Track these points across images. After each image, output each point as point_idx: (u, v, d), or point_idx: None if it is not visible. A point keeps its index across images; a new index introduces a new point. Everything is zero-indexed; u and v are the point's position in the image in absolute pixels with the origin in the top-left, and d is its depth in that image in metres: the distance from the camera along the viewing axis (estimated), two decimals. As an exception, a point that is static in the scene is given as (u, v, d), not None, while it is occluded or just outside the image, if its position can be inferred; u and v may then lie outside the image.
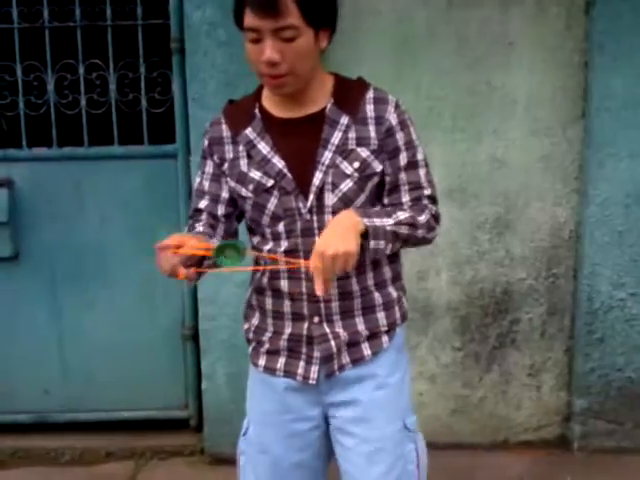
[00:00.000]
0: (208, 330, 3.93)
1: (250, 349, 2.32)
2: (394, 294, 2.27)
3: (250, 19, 1.97)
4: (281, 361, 2.24)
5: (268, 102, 2.18)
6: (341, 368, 2.21)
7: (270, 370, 2.25)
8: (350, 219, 1.97)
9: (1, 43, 3.96)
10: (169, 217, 3.98)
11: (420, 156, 2.22)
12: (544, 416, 4.15)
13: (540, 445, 4.14)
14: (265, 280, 2.22)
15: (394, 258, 2.26)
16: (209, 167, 2.23)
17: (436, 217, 2.21)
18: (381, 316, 2.24)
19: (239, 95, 3.61)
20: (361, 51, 3.79)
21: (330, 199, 2.11)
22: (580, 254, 3.93)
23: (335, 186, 2.11)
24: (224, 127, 2.20)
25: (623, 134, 3.77)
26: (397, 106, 2.18)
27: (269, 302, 2.23)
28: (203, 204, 2.24)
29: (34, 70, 3.94)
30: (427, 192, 2.22)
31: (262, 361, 2.27)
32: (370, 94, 2.16)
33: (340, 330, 2.19)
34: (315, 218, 2.12)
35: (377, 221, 2.02)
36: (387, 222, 2.05)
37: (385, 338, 2.24)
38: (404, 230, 2.09)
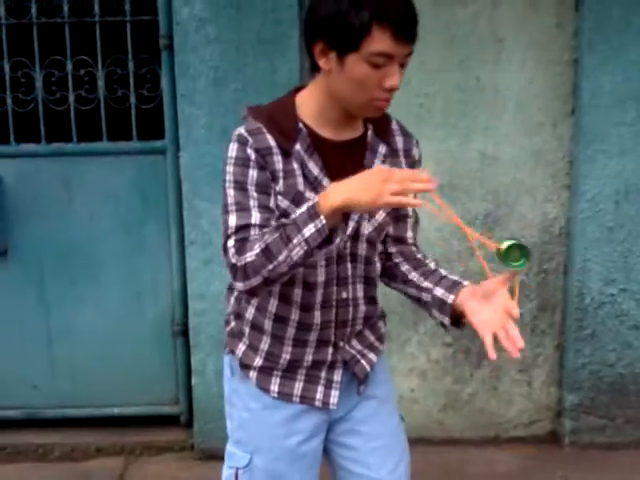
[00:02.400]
0: (198, 326, 3.93)
1: (254, 371, 2.17)
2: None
3: (387, 44, 1.82)
4: (298, 386, 2.15)
5: (307, 116, 2.03)
6: (358, 392, 2.23)
7: (285, 396, 2.15)
8: None
9: (-11, 39, 3.94)
10: (158, 213, 3.98)
11: None
12: (535, 412, 4.16)
13: (531, 440, 4.15)
14: (292, 310, 2.09)
15: None
16: (254, 178, 1.96)
17: None
18: (381, 324, 2.29)
19: (228, 92, 3.67)
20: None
21: (366, 228, 2.07)
22: (571, 250, 3.93)
23: (372, 216, 2.07)
24: (269, 137, 1.98)
25: (613, 131, 3.77)
26: (417, 142, 2.19)
27: (291, 331, 2.11)
28: (256, 218, 1.95)
29: (22, 66, 3.92)
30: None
31: (275, 386, 2.15)
32: (395, 125, 2.14)
33: (360, 347, 2.18)
34: (349, 245, 2.06)
35: None
36: None
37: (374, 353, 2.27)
38: None
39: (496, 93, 3.83)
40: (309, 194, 1.97)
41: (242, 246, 1.92)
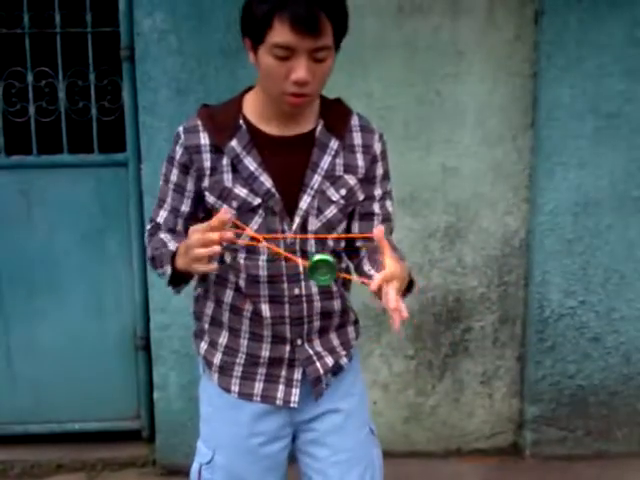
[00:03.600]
0: (160, 339, 3.90)
1: (215, 372, 2.21)
2: (352, 307, 2.30)
3: (286, 36, 1.84)
4: (258, 386, 2.17)
5: (252, 114, 2.07)
6: (327, 385, 2.21)
7: (246, 396, 2.18)
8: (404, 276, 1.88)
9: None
10: (119, 226, 3.96)
11: (390, 188, 2.22)
12: (496, 424, 4.17)
13: (493, 452, 4.17)
14: (246, 301, 2.13)
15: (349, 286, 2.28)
16: (175, 176, 2.10)
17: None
18: (351, 329, 2.27)
19: (190, 104, 3.66)
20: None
21: (314, 224, 2.06)
22: (531, 262, 3.96)
23: (320, 211, 2.07)
24: (202, 135, 2.05)
25: (571, 143, 3.81)
26: (381, 136, 2.17)
27: (245, 323, 2.14)
28: (162, 217, 2.15)
29: (-19, 78, 3.89)
30: (393, 225, 2.26)
31: (235, 387, 2.18)
32: (355, 120, 2.14)
33: (320, 349, 2.17)
34: (297, 241, 2.06)
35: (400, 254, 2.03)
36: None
37: (352, 348, 2.28)
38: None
39: (456, 106, 3.85)
40: (240, 190, 2.02)
41: (150, 239, 2.17)
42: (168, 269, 1.98)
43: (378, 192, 2.17)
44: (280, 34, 1.85)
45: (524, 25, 3.81)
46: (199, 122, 2.07)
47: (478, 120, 3.88)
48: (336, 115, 2.11)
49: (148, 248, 2.15)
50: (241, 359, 2.16)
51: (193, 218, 2.13)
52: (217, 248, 1.78)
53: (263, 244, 1.97)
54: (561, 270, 3.91)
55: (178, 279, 2.04)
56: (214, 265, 1.85)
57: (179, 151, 2.07)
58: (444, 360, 4.08)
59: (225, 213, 1.79)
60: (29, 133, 3.92)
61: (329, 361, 2.19)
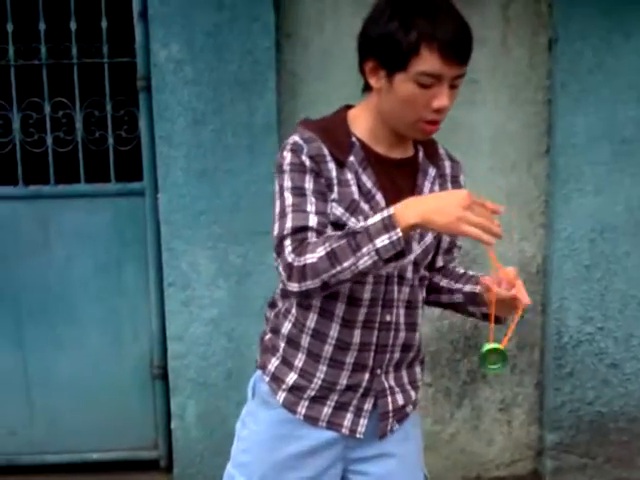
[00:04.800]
0: (177, 368, 3.89)
1: (284, 390, 2.11)
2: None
3: (435, 64, 1.82)
4: (326, 411, 2.09)
5: (360, 132, 2.02)
6: (392, 430, 2.14)
7: (311, 419, 2.09)
8: None
9: (-34, 82, 3.95)
10: (136, 255, 3.97)
11: None
12: (516, 451, 4.14)
13: (513, 480, 4.14)
14: (332, 325, 2.04)
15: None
16: (310, 183, 1.94)
17: None
18: (418, 370, 2.23)
19: (206, 133, 3.67)
20: (328, 89, 3.80)
21: (415, 249, 2.03)
22: (548, 289, 3.95)
23: (421, 237, 2.04)
24: (322, 145, 1.95)
25: (587, 170, 3.81)
26: (462, 168, 2.19)
27: (328, 349, 2.05)
28: (312, 221, 1.91)
29: (-1, 108, 3.94)
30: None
31: (302, 409, 2.09)
32: (442, 150, 2.14)
33: (393, 384, 2.12)
34: (399, 266, 1.99)
35: None
36: None
37: (413, 392, 2.21)
38: None
39: (471, 133, 3.86)
40: (364, 205, 1.96)
41: (301, 247, 1.88)
42: (385, 238, 1.77)
43: None
44: (429, 62, 1.83)
45: (538, 53, 3.83)
46: (313, 134, 1.98)
47: (493, 147, 3.89)
48: (428, 144, 2.10)
49: (312, 254, 1.85)
50: (317, 383, 2.08)
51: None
52: (497, 227, 1.82)
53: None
54: (579, 296, 3.90)
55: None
56: (493, 240, 1.83)
57: (307, 160, 1.94)
58: (462, 387, 4.06)
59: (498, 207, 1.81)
60: (47, 163, 3.95)
61: (399, 399, 2.14)
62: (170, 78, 3.71)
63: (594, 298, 3.91)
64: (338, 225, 1.94)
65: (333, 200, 1.95)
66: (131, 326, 4.07)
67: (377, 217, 1.81)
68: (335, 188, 1.95)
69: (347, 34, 3.79)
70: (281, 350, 2.12)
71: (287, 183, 1.95)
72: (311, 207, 1.92)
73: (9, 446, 4.15)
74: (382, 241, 1.78)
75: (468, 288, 2.11)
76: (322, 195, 1.94)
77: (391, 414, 2.12)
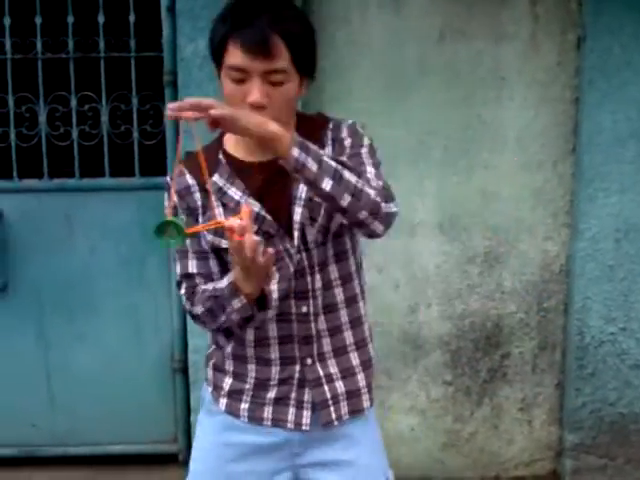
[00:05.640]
0: (197, 363, 3.89)
1: (223, 396, 2.14)
2: (367, 333, 2.21)
3: (238, 58, 1.87)
4: (268, 410, 2.10)
5: (233, 147, 2.05)
6: (339, 419, 2.10)
7: (256, 420, 2.10)
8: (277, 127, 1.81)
9: (-7, 74, 3.97)
10: (159, 249, 3.95)
11: (370, 158, 2.07)
12: (536, 451, 4.13)
13: (532, 480, 4.13)
14: (249, 329, 2.07)
15: (363, 295, 2.19)
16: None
17: (391, 195, 1.99)
18: (370, 347, 2.19)
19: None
20: (353, 85, 3.81)
21: (312, 234, 2.01)
22: (571, 288, 3.93)
23: (313, 220, 2.01)
24: (188, 177, 2.05)
25: (613, 169, 3.79)
26: (349, 124, 2.11)
27: (250, 351, 2.09)
28: (192, 267, 2.06)
29: (26, 101, 3.94)
30: (376, 183, 1.99)
31: (244, 412, 2.11)
32: (330, 125, 2.10)
33: (335, 370, 2.10)
34: (304, 256, 2.02)
35: (314, 147, 1.86)
36: (325, 154, 1.88)
37: (367, 395, 2.17)
38: (348, 175, 1.88)
39: (497, 131, 3.86)
40: (233, 221, 1.91)
41: (191, 296, 2.06)
42: (238, 303, 1.92)
43: (348, 152, 2.06)
44: (233, 56, 1.88)
45: (566, 51, 3.82)
46: (183, 167, 2.07)
47: (519, 145, 3.88)
48: (311, 126, 2.08)
49: (195, 307, 2.04)
50: (250, 384, 2.11)
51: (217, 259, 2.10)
52: (254, 238, 1.77)
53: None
54: (602, 296, 3.88)
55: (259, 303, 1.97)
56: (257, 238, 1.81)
57: (176, 199, 2.05)
58: (482, 386, 4.05)
59: (247, 207, 1.79)
60: (72, 156, 3.97)
61: (339, 386, 2.11)
62: (196, 73, 3.73)
63: (617, 298, 3.89)
64: (217, 249, 2.04)
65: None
66: (152, 320, 4.08)
67: (225, 281, 1.95)
68: (200, 217, 2.03)
69: (374, 28, 3.82)
70: (214, 358, 2.18)
71: None
72: (190, 251, 2.06)
73: (30, 438, 4.18)
74: (236, 304, 1.94)
75: None
76: (196, 232, 2.02)
77: (330, 402, 2.09)
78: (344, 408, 2.11)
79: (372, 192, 1.90)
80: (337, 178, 1.84)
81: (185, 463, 4.04)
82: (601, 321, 3.91)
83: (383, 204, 1.92)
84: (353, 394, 2.13)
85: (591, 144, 3.78)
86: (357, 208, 1.88)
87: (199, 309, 2.03)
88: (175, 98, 3.79)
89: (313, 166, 1.81)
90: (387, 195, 1.95)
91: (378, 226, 1.94)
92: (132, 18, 3.84)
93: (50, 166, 3.99)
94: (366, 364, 2.16)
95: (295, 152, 1.79)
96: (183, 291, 2.07)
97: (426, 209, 3.90)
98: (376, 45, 3.82)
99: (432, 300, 3.98)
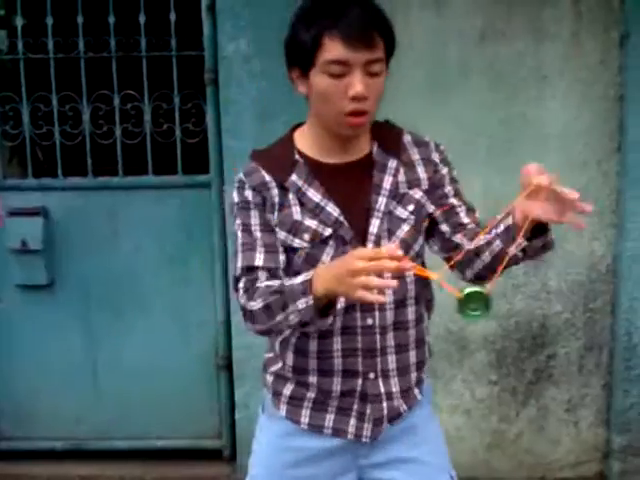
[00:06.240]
0: (242, 359, 3.92)
1: (284, 403, 2.14)
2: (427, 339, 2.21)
3: (339, 50, 1.85)
4: (329, 418, 2.09)
5: (306, 147, 2.05)
6: (391, 419, 2.11)
7: (316, 428, 2.10)
8: None
9: (37, 73, 4.01)
10: (202, 247, 4.00)
11: (461, 190, 2.14)
12: (582, 453, 4.07)
13: (578, 482, 4.08)
14: (312, 340, 2.06)
15: (428, 315, 2.20)
16: (255, 218, 2.02)
17: None
18: (414, 376, 2.16)
19: (273, 126, 3.67)
20: (395, 85, 3.76)
21: (387, 245, 1.98)
22: (617, 288, 3.87)
23: (391, 233, 2.00)
24: (264, 173, 2.02)
25: (659, 168, 3.72)
26: (437, 145, 2.12)
27: (312, 362, 2.07)
28: (259, 260, 2.00)
29: (70, 100, 3.98)
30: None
31: (305, 418, 2.11)
32: (408, 137, 2.09)
33: (395, 389, 2.09)
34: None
35: None
36: None
37: (416, 391, 2.16)
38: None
39: (541, 130, 3.80)
40: (310, 222, 1.98)
41: (250, 290, 1.98)
42: (303, 302, 1.84)
43: (449, 189, 2.10)
44: (332, 50, 1.86)
45: (609, 49, 3.74)
46: (256, 164, 2.06)
47: (563, 144, 3.81)
48: (388, 135, 2.08)
49: (253, 302, 1.96)
50: (312, 391, 2.10)
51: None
52: (394, 282, 1.72)
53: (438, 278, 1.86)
54: (649, 297, 3.82)
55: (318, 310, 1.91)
56: (385, 298, 1.78)
57: (249, 193, 2.03)
58: (528, 387, 4.00)
59: (396, 246, 1.74)
60: (115, 155, 4.00)
61: (397, 404, 2.11)
62: (237, 72, 3.73)
63: (665, 299, 3.82)
64: (287, 248, 2.01)
65: (276, 225, 2.01)
66: (196, 316, 4.10)
67: (299, 279, 1.87)
68: (276, 213, 2.01)
69: (417, 28, 3.78)
70: (274, 366, 2.17)
71: (237, 221, 2.06)
72: (259, 243, 2.01)
73: (76, 432, 4.24)
74: (301, 303, 1.84)
75: (500, 229, 1.98)
76: (269, 226, 2.02)
77: (385, 419, 2.09)
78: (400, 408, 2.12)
79: None
80: None
81: (230, 459, 4.10)
82: (649, 322, 3.84)
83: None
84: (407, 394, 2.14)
85: (637, 143, 3.71)
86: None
87: (257, 304, 1.94)
88: (216, 96, 3.81)
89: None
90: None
91: None
92: (173, 17, 3.86)
93: (94, 164, 4.03)
94: (420, 381, 2.17)
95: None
96: (242, 284, 2.00)
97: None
98: (418, 46, 3.77)
99: (477, 299, 3.94)
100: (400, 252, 1.71)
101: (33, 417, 4.24)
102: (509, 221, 1.93)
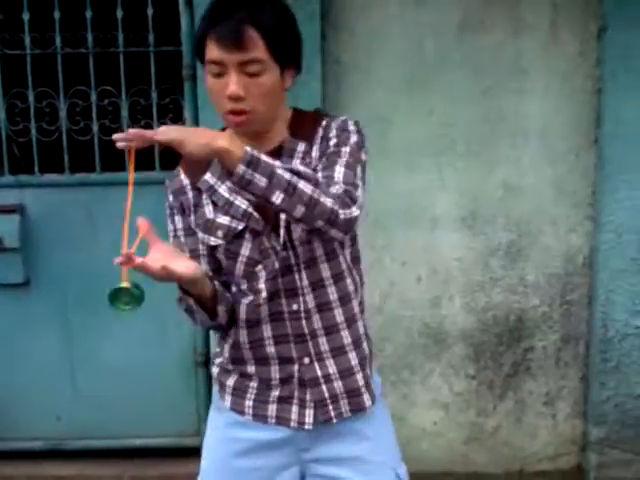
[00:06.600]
0: (220, 356, 3.90)
1: (228, 394, 2.17)
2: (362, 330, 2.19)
3: (214, 51, 1.90)
4: (272, 407, 2.11)
5: (227, 144, 1.97)
6: (338, 416, 2.10)
7: (260, 418, 2.12)
8: (225, 135, 1.80)
9: (13, 69, 3.98)
10: (181, 243, 3.98)
11: (347, 157, 2.02)
12: (560, 445, 4.10)
13: (556, 475, 4.09)
14: (242, 331, 2.09)
15: (356, 294, 2.16)
16: (180, 222, 2.11)
17: (352, 199, 1.93)
18: (365, 346, 2.17)
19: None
20: (374, 77, 3.79)
21: (297, 231, 2.01)
22: (594, 281, 3.90)
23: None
24: (182, 177, 2.10)
25: (636, 160, 3.75)
26: (342, 122, 2.07)
27: (247, 352, 2.11)
28: None
29: (46, 96, 3.95)
30: (338, 187, 1.94)
31: (249, 409, 2.13)
32: (324, 122, 2.08)
33: (332, 370, 2.09)
34: (291, 254, 2.02)
35: (265, 158, 1.82)
36: (278, 165, 1.83)
37: (366, 396, 2.15)
38: (302, 186, 1.83)
39: (519, 123, 3.83)
40: (223, 219, 2.02)
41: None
42: (191, 300, 2.04)
43: (323, 161, 2.02)
44: (211, 51, 1.91)
45: (587, 41, 3.78)
46: (179, 168, 2.13)
47: (541, 137, 3.85)
48: (303, 122, 2.09)
49: (180, 307, 2.13)
50: (254, 382, 2.12)
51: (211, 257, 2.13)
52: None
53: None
54: (626, 289, 3.85)
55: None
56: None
57: (171, 198, 2.13)
58: (506, 380, 4.03)
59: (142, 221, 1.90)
60: (92, 151, 3.98)
61: (338, 386, 2.10)
62: (215, 67, 3.72)
63: (641, 291, 3.86)
64: (208, 246, 2.07)
65: (195, 226, 2.08)
66: (174, 314, 3.99)
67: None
68: (192, 215, 2.08)
69: (394, 22, 3.79)
70: (218, 358, 2.20)
71: (168, 227, 2.15)
72: (186, 249, 2.10)
73: (54, 431, 4.20)
74: (191, 300, 2.05)
75: None
76: (191, 230, 2.10)
77: (329, 401, 2.09)
78: (345, 407, 2.11)
79: (329, 201, 1.86)
80: (290, 191, 1.81)
81: (208, 457, 4.08)
82: (625, 314, 3.87)
83: (340, 211, 1.87)
84: (353, 393, 2.12)
85: (613, 135, 3.75)
86: (312, 218, 1.84)
87: (181, 309, 2.11)
88: (194, 92, 3.80)
89: (261, 181, 1.79)
90: (346, 201, 1.91)
91: (336, 233, 1.91)
92: (150, 12, 3.84)
93: (71, 161, 4.00)
94: (363, 362, 2.15)
95: (240, 169, 1.77)
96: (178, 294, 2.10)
97: (448, 202, 3.88)
98: (396, 38, 3.79)
99: (454, 293, 3.96)
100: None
101: (10, 417, 4.19)
102: None
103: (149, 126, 3.94)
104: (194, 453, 4.10)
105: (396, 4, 3.77)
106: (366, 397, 2.14)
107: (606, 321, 3.88)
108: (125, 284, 1.88)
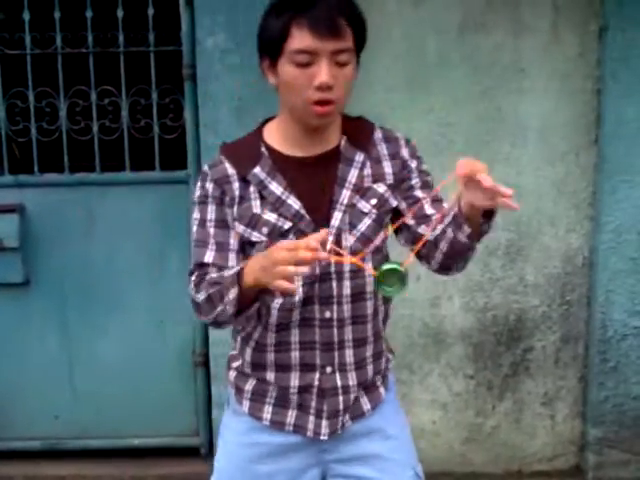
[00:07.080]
0: (219, 356, 3.90)
1: (246, 399, 2.15)
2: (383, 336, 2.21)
3: (306, 40, 1.86)
4: (291, 414, 2.10)
5: (274, 140, 2.05)
6: (343, 426, 2.11)
7: (278, 424, 2.11)
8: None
9: (14, 69, 3.99)
10: (180, 243, 3.97)
11: (431, 181, 2.12)
12: (558, 445, 4.11)
13: (555, 475, 4.09)
14: (269, 334, 2.07)
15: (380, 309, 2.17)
16: (211, 213, 2.04)
17: None
18: (384, 360, 2.19)
19: (251, 121, 3.64)
20: (374, 77, 3.79)
21: (348, 240, 2.00)
22: (593, 281, 3.90)
23: (353, 226, 2.01)
24: (227, 166, 2.03)
25: (636, 161, 3.76)
26: (407, 140, 2.12)
27: (270, 356, 2.09)
28: (209, 257, 2.01)
29: (46, 96, 3.96)
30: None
31: (267, 414, 2.11)
32: (378, 134, 2.10)
33: (352, 382, 2.09)
34: (332, 262, 1.98)
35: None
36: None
37: (382, 389, 2.18)
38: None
39: (518, 123, 3.83)
40: (269, 215, 1.99)
41: (198, 283, 1.99)
42: (233, 292, 1.87)
43: (416, 181, 2.08)
44: (299, 39, 1.87)
45: (588, 41, 3.78)
46: (222, 156, 2.07)
47: (540, 137, 3.85)
48: (359, 130, 2.09)
49: (199, 294, 1.98)
50: (273, 389, 2.11)
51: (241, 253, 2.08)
52: (305, 269, 1.72)
53: (352, 260, 1.89)
54: (625, 289, 3.85)
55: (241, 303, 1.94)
56: (295, 285, 1.81)
57: (210, 186, 2.04)
58: (504, 380, 4.03)
59: (325, 233, 1.75)
60: (92, 151, 3.98)
61: (353, 398, 2.12)
62: (216, 66, 3.73)
63: (640, 291, 3.87)
64: (247, 242, 2.02)
65: (235, 219, 2.02)
66: (173, 313, 4.08)
67: (232, 270, 1.91)
68: (235, 206, 2.02)
69: (393, 21, 3.79)
70: (236, 362, 2.19)
71: (195, 215, 2.08)
72: (211, 241, 2.03)
73: (53, 431, 4.20)
74: (232, 294, 1.88)
75: (448, 219, 1.99)
76: (224, 222, 2.03)
77: (341, 413, 2.10)
78: (346, 417, 2.12)
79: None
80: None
81: (206, 456, 4.09)
82: (624, 314, 3.88)
83: None
84: (355, 402, 2.13)
85: (613, 135, 3.75)
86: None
87: (201, 296, 1.97)
88: (194, 91, 3.81)
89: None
90: None
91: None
92: (151, 12, 3.85)
93: (71, 160, 4.00)
94: (384, 377, 2.20)
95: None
96: (193, 278, 2.02)
97: (448, 202, 3.86)
98: (396, 37, 3.80)
99: (453, 293, 3.96)
100: (328, 235, 1.80)
101: (8, 417, 4.19)
102: (454, 210, 1.94)
103: (149, 126, 3.95)
104: (193, 453, 4.16)
105: (396, 4, 3.78)
106: (381, 390, 2.17)
107: (605, 321, 3.89)
108: (394, 265, 1.81)
